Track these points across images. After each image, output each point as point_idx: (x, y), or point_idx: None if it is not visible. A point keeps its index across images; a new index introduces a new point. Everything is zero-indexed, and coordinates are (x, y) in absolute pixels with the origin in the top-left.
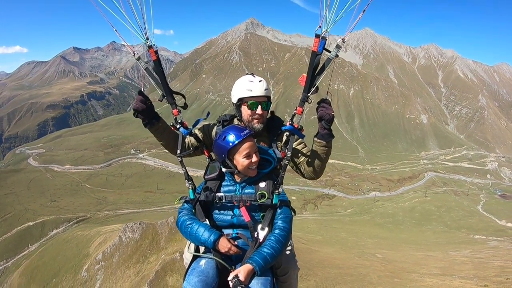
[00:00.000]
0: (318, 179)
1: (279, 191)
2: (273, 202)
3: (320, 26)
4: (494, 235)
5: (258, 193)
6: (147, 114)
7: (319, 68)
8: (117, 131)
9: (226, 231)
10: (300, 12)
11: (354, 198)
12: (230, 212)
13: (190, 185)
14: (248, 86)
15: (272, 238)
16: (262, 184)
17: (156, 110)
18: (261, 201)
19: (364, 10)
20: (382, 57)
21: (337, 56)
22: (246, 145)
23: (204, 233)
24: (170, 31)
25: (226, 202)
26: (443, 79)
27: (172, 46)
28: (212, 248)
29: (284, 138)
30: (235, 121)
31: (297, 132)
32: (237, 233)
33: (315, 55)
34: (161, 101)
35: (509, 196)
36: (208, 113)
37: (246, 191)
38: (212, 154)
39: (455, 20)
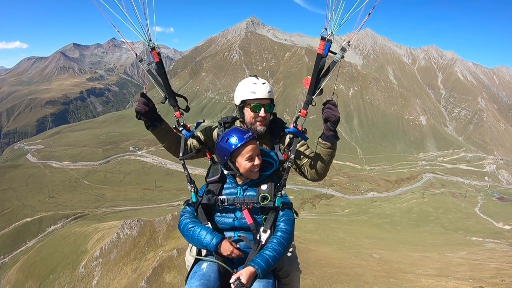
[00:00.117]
0: (321, 180)
1: (281, 193)
2: (276, 205)
3: (325, 29)
4: (491, 237)
5: (260, 195)
6: (149, 116)
7: (324, 70)
8: (116, 128)
9: (228, 234)
10: (301, 12)
11: (352, 198)
12: (232, 215)
13: (193, 188)
14: (252, 88)
15: (275, 240)
16: (264, 187)
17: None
18: (263, 203)
19: (370, 13)
20: (382, 58)
21: (342, 57)
22: (248, 147)
23: (206, 236)
24: (170, 29)
25: (228, 204)
26: (443, 81)
27: (172, 44)
28: (214, 251)
29: (287, 140)
30: (237, 123)
31: (300, 134)
32: (239, 236)
33: (320, 58)
34: (164, 103)
35: (507, 198)
36: (203, 116)
37: (248, 193)
38: (214, 156)
39: (456, 22)
